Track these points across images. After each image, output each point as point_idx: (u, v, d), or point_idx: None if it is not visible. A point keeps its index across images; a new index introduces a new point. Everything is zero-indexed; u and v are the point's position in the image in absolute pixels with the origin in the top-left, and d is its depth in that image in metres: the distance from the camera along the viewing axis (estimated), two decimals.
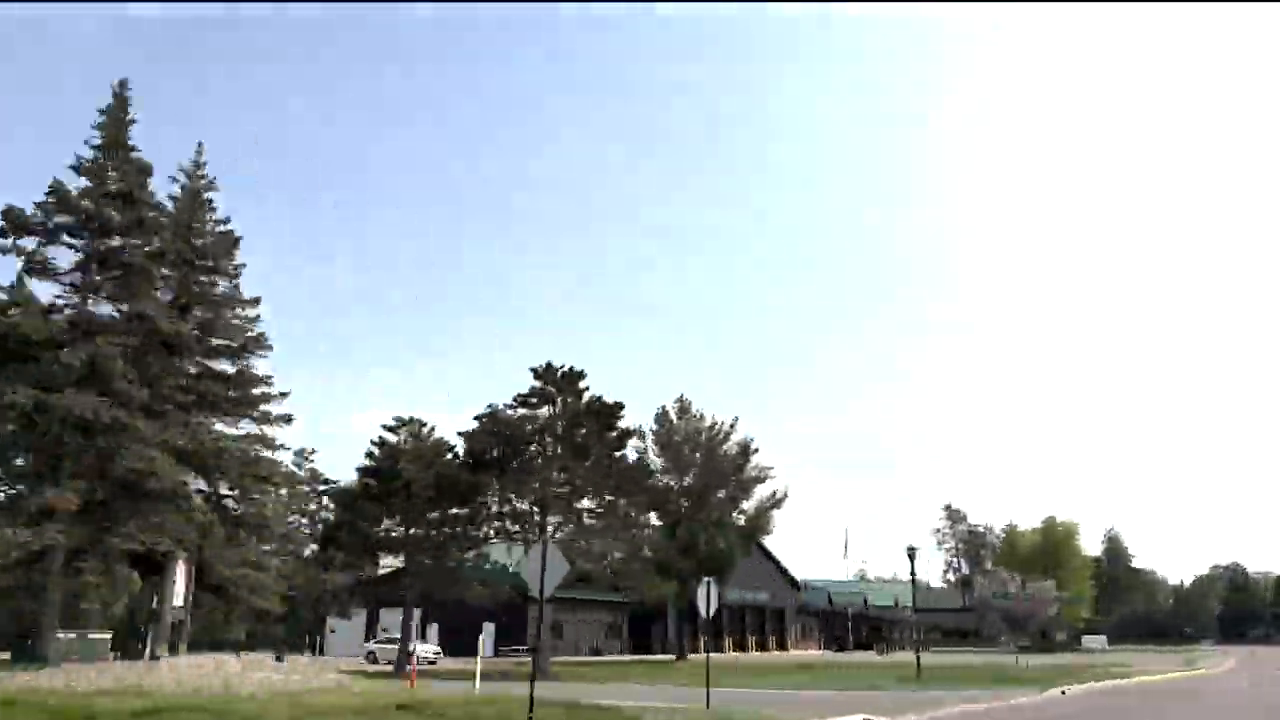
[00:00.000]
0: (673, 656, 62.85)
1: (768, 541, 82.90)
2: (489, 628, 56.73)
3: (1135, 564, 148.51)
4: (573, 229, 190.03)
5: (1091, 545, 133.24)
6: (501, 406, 37.37)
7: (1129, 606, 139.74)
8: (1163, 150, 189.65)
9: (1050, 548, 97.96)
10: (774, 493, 53.51)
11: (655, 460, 53.13)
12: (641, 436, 53.11)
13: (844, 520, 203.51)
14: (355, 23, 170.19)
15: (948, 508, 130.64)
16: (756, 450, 53.18)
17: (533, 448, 37.45)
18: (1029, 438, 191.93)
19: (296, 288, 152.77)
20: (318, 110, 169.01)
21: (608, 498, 38.13)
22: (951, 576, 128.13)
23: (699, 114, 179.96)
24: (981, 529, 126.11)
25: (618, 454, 38.41)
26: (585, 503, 38.87)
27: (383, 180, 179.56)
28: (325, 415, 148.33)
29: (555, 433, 37.27)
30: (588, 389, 38.19)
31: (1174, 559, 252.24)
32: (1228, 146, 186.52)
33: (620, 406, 38.28)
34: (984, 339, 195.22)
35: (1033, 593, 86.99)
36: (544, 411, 37.80)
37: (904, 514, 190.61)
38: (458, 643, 56.81)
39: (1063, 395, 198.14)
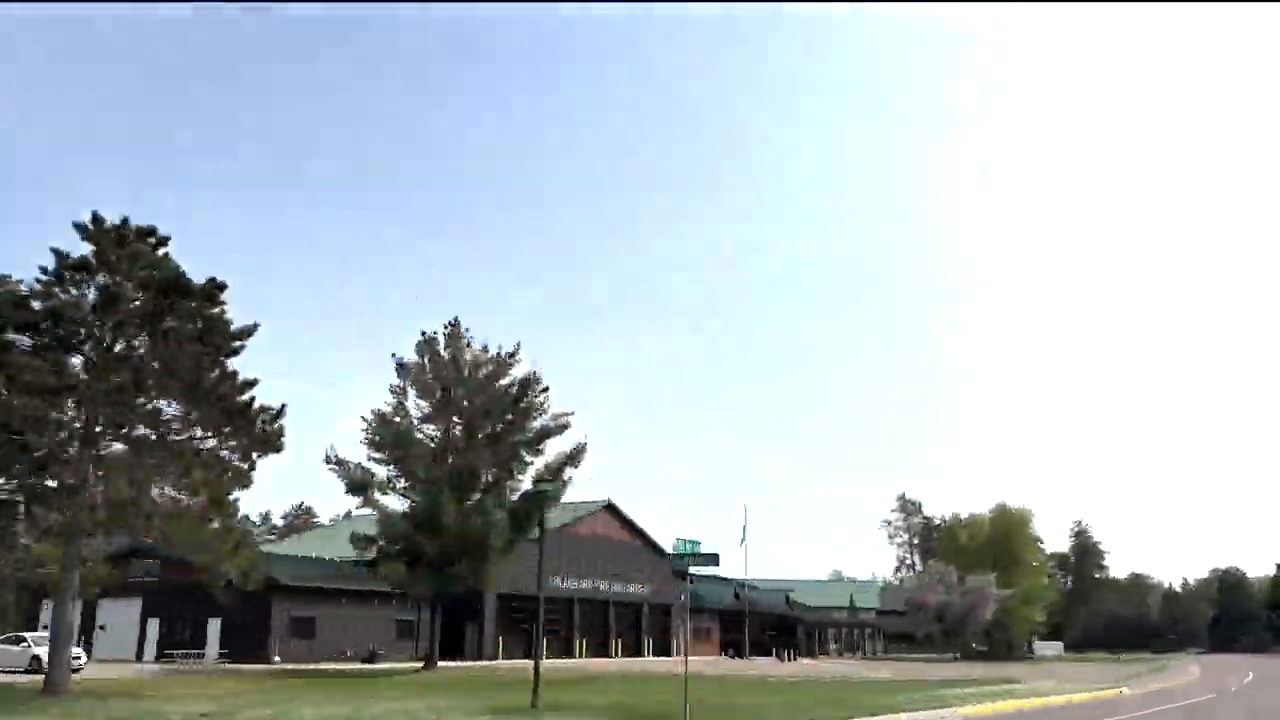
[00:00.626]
0: (477, 661, 50.12)
1: (650, 525, 70.27)
2: (214, 625, 44.15)
3: (1135, 568, 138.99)
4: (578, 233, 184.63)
5: (1059, 541, 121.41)
6: (20, 281, 24.48)
7: (1105, 608, 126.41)
8: (1152, 149, 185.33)
9: (999, 538, 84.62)
10: (577, 446, 40.43)
11: (417, 405, 40.33)
12: (402, 371, 40.27)
13: (826, 520, 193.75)
14: (355, 23, 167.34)
15: (901, 498, 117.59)
16: (545, 389, 40.20)
17: (74, 346, 24.59)
18: (1022, 437, 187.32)
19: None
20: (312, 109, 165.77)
21: (196, 427, 25.21)
22: (904, 573, 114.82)
23: (689, 114, 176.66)
24: (939, 521, 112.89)
25: (215, 361, 25.37)
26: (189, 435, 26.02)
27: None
28: None
29: (102, 321, 24.43)
30: (165, 257, 25.34)
31: (1176, 564, 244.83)
32: (1221, 146, 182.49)
33: (219, 287, 25.42)
34: (981, 339, 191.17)
35: (972, 589, 73.90)
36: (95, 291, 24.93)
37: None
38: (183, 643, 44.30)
39: (1057, 395, 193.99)
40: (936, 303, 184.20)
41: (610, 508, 64.59)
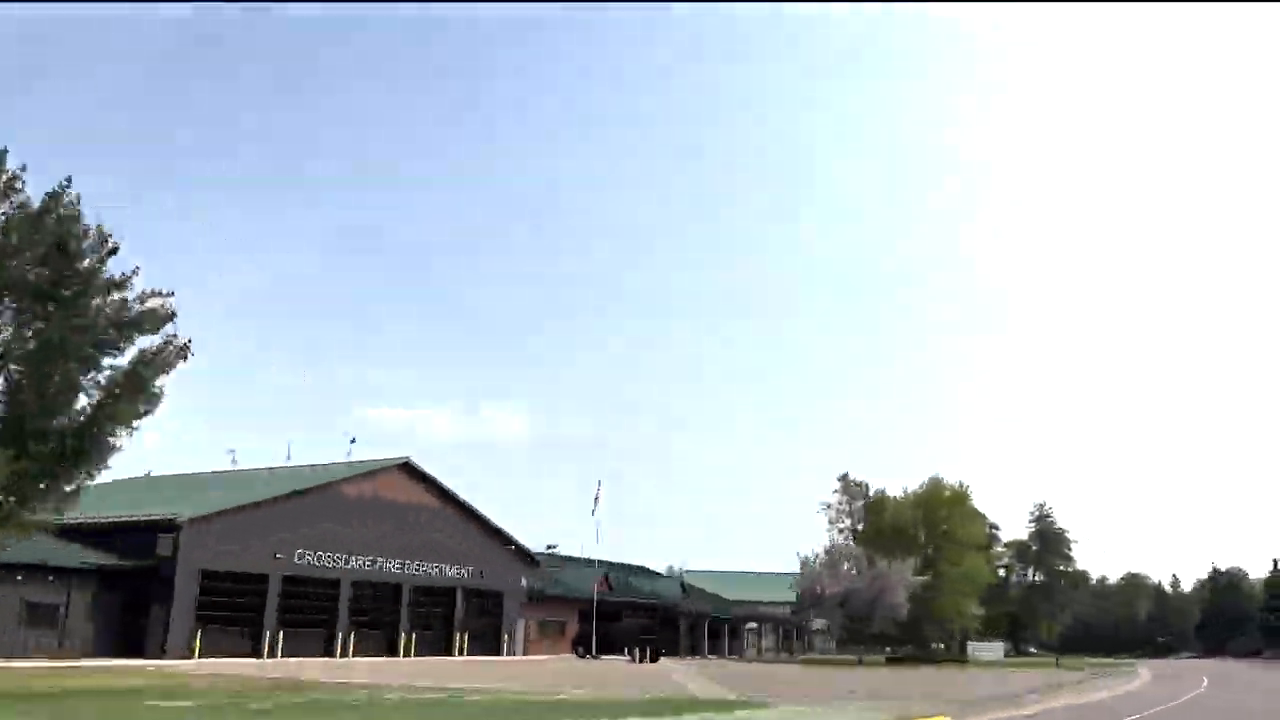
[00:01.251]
0: (158, 660, 36.74)
1: (472, 497, 56.60)
2: None
3: (1132, 569, 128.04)
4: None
5: (1017, 528, 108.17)
6: None
7: (1077, 606, 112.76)
8: (1150, 149, 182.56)
9: (930, 517, 70.93)
10: (171, 344, 26.79)
11: None
12: None
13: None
14: (355, 23, 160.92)
15: (844, 478, 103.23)
16: (113, 250, 26.43)
17: None
18: (1021, 437, 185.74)
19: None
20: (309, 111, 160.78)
21: None
22: (845, 563, 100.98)
23: (689, 114, 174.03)
24: None
25: None
26: None
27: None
28: None
29: None
30: None
31: (1179, 566, 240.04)
32: (1217, 146, 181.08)
33: None
34: (980, 339, 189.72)
35: (879, 573, 60.27)
36: None
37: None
38: None
39: (1055, 395, 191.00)
40: (936, 302, 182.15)
41: (407, 466, 51.17)
